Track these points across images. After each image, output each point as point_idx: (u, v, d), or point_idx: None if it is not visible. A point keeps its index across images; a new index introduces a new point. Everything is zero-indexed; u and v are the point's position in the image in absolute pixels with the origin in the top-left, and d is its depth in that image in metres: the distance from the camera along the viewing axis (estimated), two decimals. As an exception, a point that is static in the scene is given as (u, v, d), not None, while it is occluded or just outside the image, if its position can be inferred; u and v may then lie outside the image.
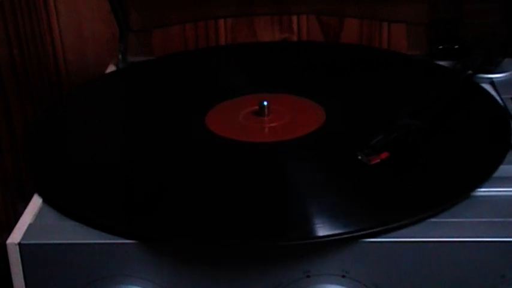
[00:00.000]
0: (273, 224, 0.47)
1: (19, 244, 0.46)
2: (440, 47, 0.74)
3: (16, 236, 0.47)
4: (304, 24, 0.81)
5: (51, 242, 0.46)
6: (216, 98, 0.63)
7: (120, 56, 0.75)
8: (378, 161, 0.51)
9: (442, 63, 0.71)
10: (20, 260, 0.46)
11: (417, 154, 0.53)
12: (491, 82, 0.67)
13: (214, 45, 0.82)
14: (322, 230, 0.45)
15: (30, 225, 0.48)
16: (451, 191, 0.49)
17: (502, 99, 0.63)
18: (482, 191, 0.49)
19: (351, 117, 0.60)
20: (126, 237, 0.46)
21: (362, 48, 0.79)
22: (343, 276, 0.45)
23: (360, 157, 0.51)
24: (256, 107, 0.60)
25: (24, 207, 0.50)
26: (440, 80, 0.65)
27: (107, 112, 0.64)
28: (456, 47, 0.74)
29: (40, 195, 0.51)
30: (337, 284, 0.46)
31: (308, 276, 0.46)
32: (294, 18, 0.81)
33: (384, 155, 0.51)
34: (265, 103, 0.59)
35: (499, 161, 0.51)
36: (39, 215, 0.49)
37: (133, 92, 0.69)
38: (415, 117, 0.54)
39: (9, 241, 0.46)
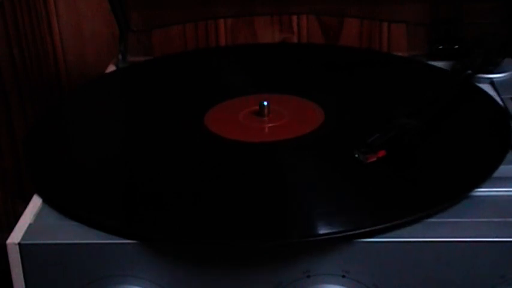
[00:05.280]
0: (273, 223, 0.47)
1: (19, 244, 0.46)
2: (440, 47, 0.74)
3: (16, 236, 0.47)
4: (304, 24, 0.81)
5: (51, 242, 0.46)
6: (216, 98, 0.63)
7: (120, 56, 0.75)
8: (375, 159, 0.51)
9: (442, 63, 0.71)
10: (20, 260, 0.46)
11: (415, 154, 0.53)
12: (491, 82, 0.67)
13: (214, 46, 0.82)
14: (322, 229, 0.45)
15: (30, 225, 0.48)
16: (451, 190, 0.49)
17: (502, 99, 0.63)
18: (482, 191, 0.49)
19: (350, 117, 0.60)
20: (126, 237, 0.46)
21: (361, 50, 0.79)
22: (343, 276, 0.45)
23: (356, 155, 0.51)
24: (256, 107, 0.60)
25: (24, 207, 0.50)
26: (440, 81, 0.65)
27: (106, 112, 0.64)
28: (456, 47, 0.74)
29: (40, 195, 0.51)
30: (337, 284, 0.46)
31: (308, 276, 0.46)
32: (294, 18, 0.81)
33: (381, 153, 0.51)
34: (265, 103, 0.59)
35: (498, 161, 0.51)
36: (39, 215, 0.49)
37: (133, 92, 0.69)
38: (413, 116, 0.55)
39: (9, 241, 0.46)
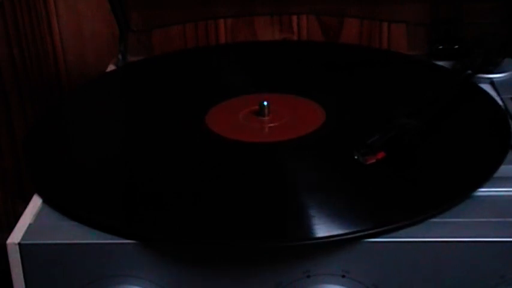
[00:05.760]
0: (273, 224, 0.47)
1: (19, 244, 0.46)
2: (440, 47, 0.74)
3: (16, 236, 0.47)
4: (304, 24, 0.81)
5: (51, 242, 0.46)
6: (216, 97, 0.63)
7: (120, 56, 0.75)
8: (374, 161, 0.51)
9: (442, 63, 0.71)
10: (20, 260, 0.46)
11: (416, 154, 0.53)
12: (491, 82, 0.67)
13: (214, 44, 0.82)
14: (322, 231, 0.45)
15: (30, 225, 0.48)
16: (451, 191, 0.49)
17: (502, 99, 0.63)
18: (483, 191, 0.49)
19: (351, 116, 0.60)
20: (126, 237, 0.46)
21: (362, 48, 0.79)
22: (343, 276, 0.45)
23: (356, 157, 0.51)
24: (256, 107, 0.60)
25: (24, 207, 0.50)
26: (440, 80, 0.65)
27: (106, 112, 0.64)
28: (456, 47, 0.74)
29: (40, 195, 0.51)
30: (337, 284, 0.46)
31: (308, 276, 0.46)
32: (294, 18, 0.81)
33: (380, 155, 0.51)
34: (265, 103, 0.59)
35: (499, 161, 0.51)
36: (39, 215, 0.49)
37: (133, 92, 0.69)
38: (412, 116, 0.54)
39: (9, 241, 0.46)
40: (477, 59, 0.66)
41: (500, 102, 0.62)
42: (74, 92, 0.76)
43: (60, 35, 0.85)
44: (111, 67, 0.75)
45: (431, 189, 0.49)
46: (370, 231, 0.45)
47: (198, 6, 0.80)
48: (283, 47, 0.80)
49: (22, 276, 0.47)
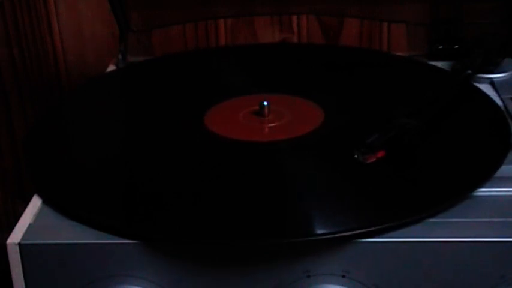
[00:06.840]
0: (273, 223, 0.47)
1: (19, 244, 0.46)
2: (440, 47, 0.74)
3: (16, 236, 0.47)
4: (304, 24, 0.81)
5: (51, 242, 0.46)
6: (216, 98, 0.63)
7: (120, 56, 0.75)
8: (374, 160, 0.51)
9: (442, 63, 0.71)
10: (20, 260, 0.46)
11: (415, 154, 0.53)
12: (491, 82, 0.67)
13: (214, 46, 0.82)
14: (322, 229, 0.45)
15: (30, 225, 0.48)
16: (451, 191, 0.49)
17: (502, 99, 0.63)
18: (483, 191, 0.49)
19: (351, 116, 0.60)
20: (126, 237, 0.46)
21: (361, 49, 0.79)
22: (343, 276, 0.45)
23: (356, 156, 0.51)
24: (256, 107, 0.60)
25: (24, 207, 0.50)
26: (440, 80, 0.65)
27: (106, 112, 0.64)
28: (456, 47, 0.74)
29: (40, 195, 0.51)
30: (337, 284, 0.46)
31: (308, 276, 0.46)
32: (294, 18, 0.81)
33: (380, 154, 0.51)
34: (265, 103, 0.59)
35: (499, 161, 0.51)
36: (39, 215, 0.49)
37: (133, 92, 0.69)
38: (413, 116, 0.55)
39: (9, 241, 0.46)
40: (477, 59, 0.66)
41: (500, 103, 0.62)
42: (74, 92, 0.76)
43: (60, 35, 0.85)
44: (111, 67, 0.75)
45: (432, 189, 0.49)
46: (370, 231, 0.45)
47: (198, 6, 0.80)
48: (282, 49, 0.80)
49: (22, 276, 0.47)
